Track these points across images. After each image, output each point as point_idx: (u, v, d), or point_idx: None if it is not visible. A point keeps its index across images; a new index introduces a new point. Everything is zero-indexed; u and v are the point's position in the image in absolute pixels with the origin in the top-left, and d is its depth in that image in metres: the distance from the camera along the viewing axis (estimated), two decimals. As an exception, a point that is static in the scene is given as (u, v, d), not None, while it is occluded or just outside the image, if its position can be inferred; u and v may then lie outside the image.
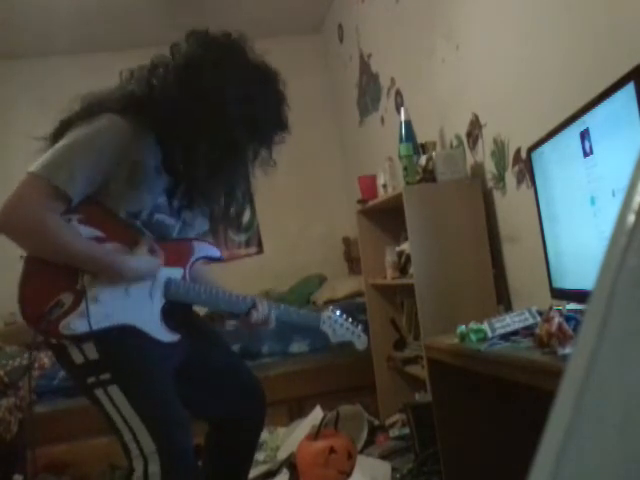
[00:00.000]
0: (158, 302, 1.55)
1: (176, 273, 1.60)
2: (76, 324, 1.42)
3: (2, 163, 4.15)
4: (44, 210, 1.39)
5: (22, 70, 4.48)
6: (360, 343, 1.85)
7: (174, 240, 1.63)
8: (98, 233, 1.47)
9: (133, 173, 1.48)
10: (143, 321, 1.52)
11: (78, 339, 1.44)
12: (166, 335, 1.55)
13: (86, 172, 1.43)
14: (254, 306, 1.69)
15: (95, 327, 1.42)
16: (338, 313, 1.82)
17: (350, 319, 1.85)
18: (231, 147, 1.55)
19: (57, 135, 1.50)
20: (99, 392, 1.46)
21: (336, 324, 1.81)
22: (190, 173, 1.52)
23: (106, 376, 1.45)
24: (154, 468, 1.42)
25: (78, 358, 1.45)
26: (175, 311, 1.59)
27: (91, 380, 1.46)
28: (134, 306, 1.51)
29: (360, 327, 1.86)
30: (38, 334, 1.44)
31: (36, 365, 3.19)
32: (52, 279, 1.44)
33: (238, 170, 1.64)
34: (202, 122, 1.49)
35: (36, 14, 3.94)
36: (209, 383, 1.73)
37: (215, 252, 1.73)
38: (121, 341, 1.47)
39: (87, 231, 1.46)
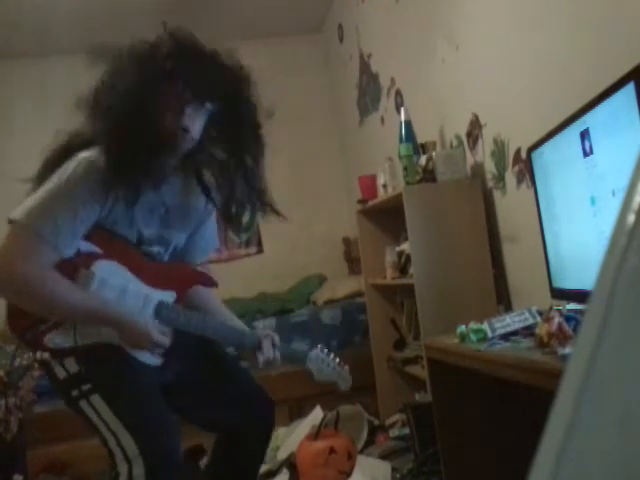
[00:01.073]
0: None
1: (168, 297, 1.59)
2: (61, 339, 1.44)
3: (1, 163, 4.15)
4: (30, 271, 1.37)
5: (21, 70, 4.48)
6: (344, 384, 1.82)
7: (169, 263, 1.63)
8: (95, 249, 1.48)
9: (111, 212, 1.47)
10: None
11: (61, 354, 1.46)
12: (150, 358, 1.55)
13: (70, 222, 1.40)
14: (259, 347, 1.66)
15: (80, 343, 1.44)
16: (326, 352, 1.78)
17: (337, 360, 1.81)
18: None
19: (41, 177, 1.48)
20: (83, 404, 1.47)
21: (323, 363, 1.77)
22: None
23: (87, 386, 1.47)
24: (138, 470, 1.42)
25: (61, 373, 1.48)
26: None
27: (75, 393, 1.48)
28: None
29: (346, 368, 1.82)
30: (23, 345, 1.45)
31: (36, 365, 3.19)
32: None
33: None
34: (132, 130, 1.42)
35: (35, 14, 3.94)
36: (210, 394, 1.72)
37: (210, 279, 1.72)
38: (102, 357, 1.48)
39: (85, 246, 1.46)
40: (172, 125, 1.44)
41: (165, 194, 1.56)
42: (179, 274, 1.65)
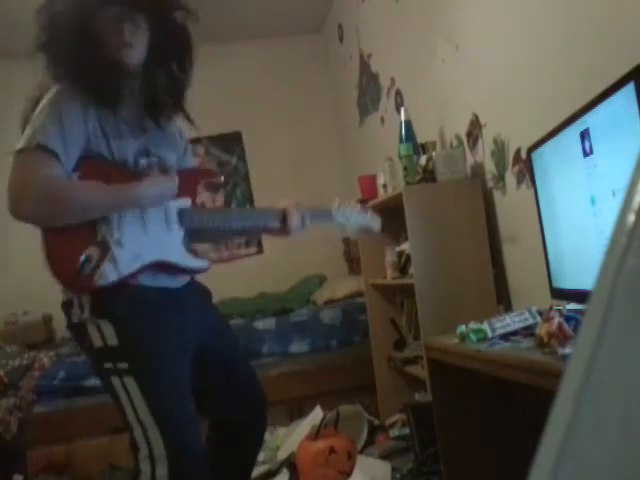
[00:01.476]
0: (177, 233, 1.59)
1: (185, 203, 1.64)
2: (107, 274, 1.44)
3: (1, 163, 4.15)
4: (42, 177, 1.40)
5: (21, 70, 4.48)
6: (376, 225, 1.92)
7: (175, 172, 1.66)
8: (90, 182, 1.50)
9: (97, 129, 1.51)
10: (169, 253, 1.56)
11: (99, 314, 1.45)
12: (194, 261, 1.61)
13: (58, 127, 1.44)
14: (284, 219, 1.73)
15: (127, 271, 1.46)
16: (348, 204, 1.85)
17: (359, 206, 1.88)
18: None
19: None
20: (115, 380, 1.46)
21: (348, 213, 1.85)
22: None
23: (124, 365, 1.46)
24: (162, 471, 1.42)
25: (97, 341, 1.46)
26: (192, 302, 1.63)
27: (108, 365, 1.47)
28: (156, 241, 1.54)
29: (370, 211, 1.91)
30: (79, 293, 1.46)
31: (36, 365, 3.19)
32: (72, 239, 1.46)
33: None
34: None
35: (34, 13, 3.94)
36: (219, 381, 1.72)
37: (215, 176, 1.76)
38: (140, 325, 1.48)
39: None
40: (116, 41, 1.51)
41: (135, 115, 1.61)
42: (184, 178, 1.67)
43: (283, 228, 1.74)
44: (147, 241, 1.52)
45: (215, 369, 1.71)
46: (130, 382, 1.45)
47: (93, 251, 1.45)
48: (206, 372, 1.68)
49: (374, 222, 1.92)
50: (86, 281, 1.43)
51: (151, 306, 1.51)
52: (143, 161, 1.58)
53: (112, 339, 1.45)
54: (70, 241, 1.46)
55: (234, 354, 1.79)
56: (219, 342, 1.73)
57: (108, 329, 1.46)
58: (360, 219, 1.88)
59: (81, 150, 1.48)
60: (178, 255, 1.59)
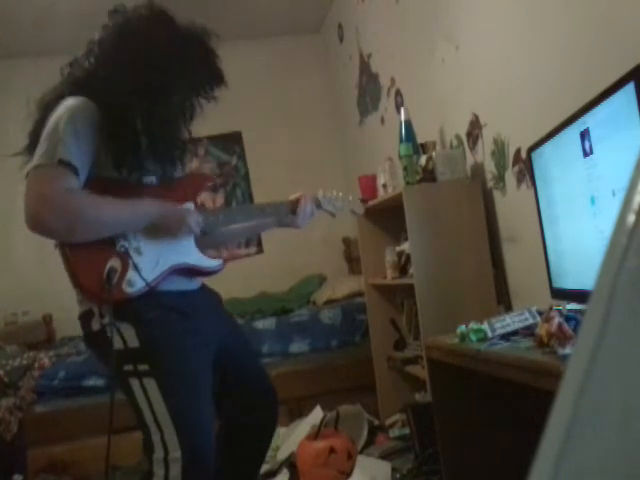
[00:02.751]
0: (189, 236, 1.62)
1: (189, 207, 1.66)
2: (134, 284, 1.46)
3: (1, 163, 4.15)
4: (62, 192, 1.39)
5: (21, 70, 4.48)
6: (359, 208, 2.12)
7: (176, 180, 1.68)
8: (109, 199, 1.49)
9: (104, 147, 1.50)
10: (186, 256, 1.59)
11: (119, 317, 1.45)
12: (210, 262, 1.64)
13: (77, 143, 1.43)
14: (294, 210, 1.82)
15: (151, 277, 1.48)
16: (329, 193, 1.99)
17: (341, 194, 2.02)
18: (173, 103, 1.57)
19: (32, 145, 1.50)
20: (134, 382, 1.46)
21: (332, 200, 1.98)
22: (139, 138, 1.52)
23: (144, 367, 1.45)
24: (175, 472, 1.42)
25: (118, 344, 1.46)
26: (207, 304, 1.64)
27: (128, 368, 1.46)
28: (172, 245, 1.56)
29: (350, 196, 2.08)
30: (108, 306, 1.45)
31: (36, 365, 3.19)
32: (93, 253, 1.45)
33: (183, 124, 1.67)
34: (140, 85, 1.50)
35: (35, 13, 3.94)
36: (234, 382, 1.73)
37: (212, 177, 1.80)
38: (162, 327, 1.48)
39: None
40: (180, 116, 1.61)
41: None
42: (187, 184, 1.70)
43: (294, 220, 1.82)
44: (164, 246, 1.54)
45: (230, 370, 1.71)
46: (150, 384, 1.44)
47: (115, 262, 1.46)
48: (222, 373, 1.68)
49: (357, 206, 2.10)
50: (117, 292, 1.43)
51: (171, 309, 1.51)
52: (147, 179, 1.59)
53: (133, 341, 1.45)
54: (91, 255, 1.45)
55: (247, 355, 1.80)
56: (233, 343, 1.73)
57: (129, 331, 1.45)
58: (345, 205, 2.03)
59: (90, 167, 1.48)
60: (195, 257, 1.61)
